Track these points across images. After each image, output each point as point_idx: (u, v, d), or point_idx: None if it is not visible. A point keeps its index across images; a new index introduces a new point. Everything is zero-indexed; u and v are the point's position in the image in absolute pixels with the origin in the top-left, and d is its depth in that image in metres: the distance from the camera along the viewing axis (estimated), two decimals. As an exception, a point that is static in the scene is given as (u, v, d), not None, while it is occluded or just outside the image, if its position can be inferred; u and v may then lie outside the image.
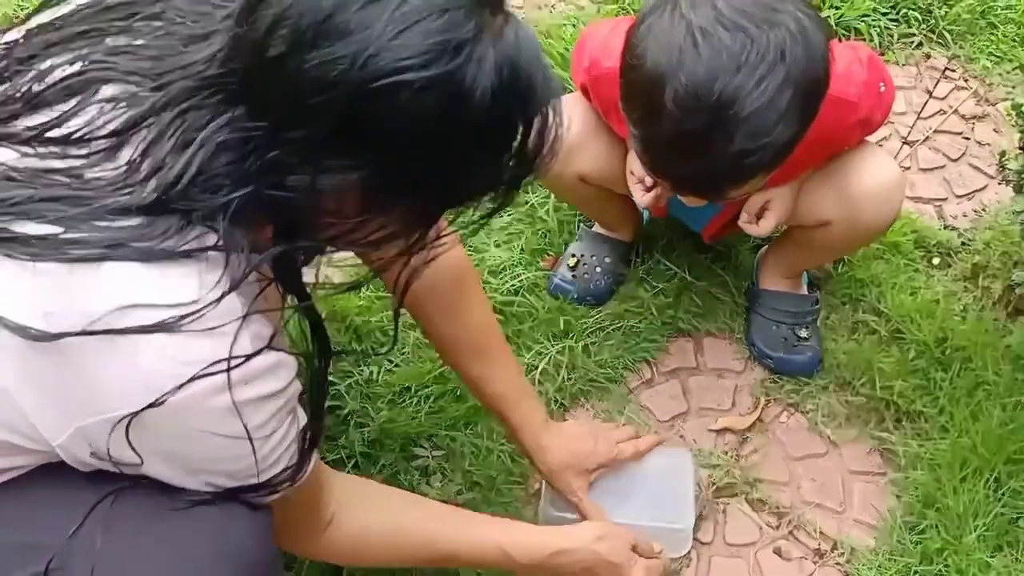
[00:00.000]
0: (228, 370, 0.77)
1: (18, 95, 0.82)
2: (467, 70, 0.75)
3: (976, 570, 1.34)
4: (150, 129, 0.78)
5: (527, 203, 1.72)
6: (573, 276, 1.63)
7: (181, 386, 0.76)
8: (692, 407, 1.56)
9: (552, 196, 1.72)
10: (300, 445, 0.90)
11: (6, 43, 0.88)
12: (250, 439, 0.82)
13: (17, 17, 0.88)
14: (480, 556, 1.18)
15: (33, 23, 0.89)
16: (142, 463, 0.81)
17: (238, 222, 0.78)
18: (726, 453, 1.50)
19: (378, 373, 1.52)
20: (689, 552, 1.40)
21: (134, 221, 0.77)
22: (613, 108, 1.28)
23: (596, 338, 1.59)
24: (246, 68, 0.77)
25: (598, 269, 1.63)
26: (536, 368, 1.54)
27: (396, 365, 1.54)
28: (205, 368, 0.76)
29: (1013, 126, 1.55)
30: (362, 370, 1.52)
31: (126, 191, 0.77)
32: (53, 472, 0.86)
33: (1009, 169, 1.50)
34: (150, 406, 0.76)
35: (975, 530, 1.37)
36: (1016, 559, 1.36)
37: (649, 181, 1.38)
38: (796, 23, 1.07)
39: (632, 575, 1.25)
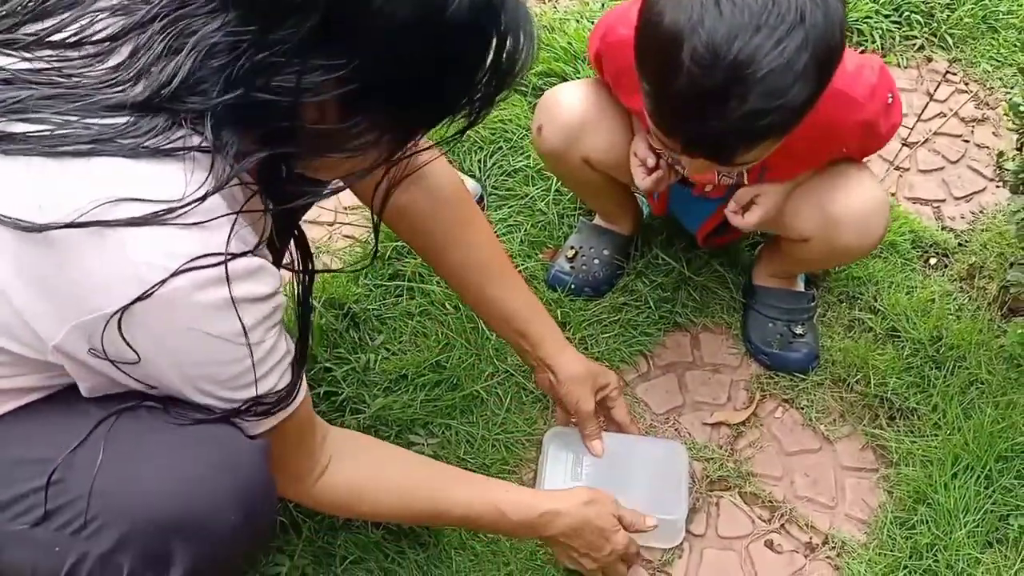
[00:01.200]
0: (224, 263, 0.79)
1: (21, 7, 0.85)
2: None
3: (965, 565, 1.35)
4: (141, 35, 0.81)
5: (526, 195, 1.74)
6: (571, 267, 1.64)
7: (168, 278, 0.77)
8: (687, 401, 1.56)
9: (551, 189, 1.73)
10: (292, 367, 0.92)
11: None
12: (246, 338, 0.83)
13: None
14: (476, 512, 1.19)
15: None
16: (139, 360, 0.82)
17: (225, 126, 0.80)
18: (720, 447, 1.51)
19: (375, 361, 1.53)
20: (681, 544, 1.41)
21: (122, 119, 0.79)
22: (624, 76, 1.28)
23: (593, 331, 1.60)
24: None
25: (596, 261, 1.64)
26: (533, 359, 1.55)
27: (393, 353, 1.55)
28: (192, 260, 0.78)
29: (1011, 128, 1.56)
30: (359, 357, 1.53)
31: (117, 88, 0.80)
32: (59, 400, 0.89)
33: (1006, 170, 1.51)
34: (139, 299, 0.77)
35: (965, 526, 1.38)
36: (1005, 555, 1.37)
37: (651, 163, 1.39)
38: None
39: (615, 539, 1.27)
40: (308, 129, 0.84)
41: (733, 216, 1.39)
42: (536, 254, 1.68)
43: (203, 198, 0.79)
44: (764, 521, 1.44)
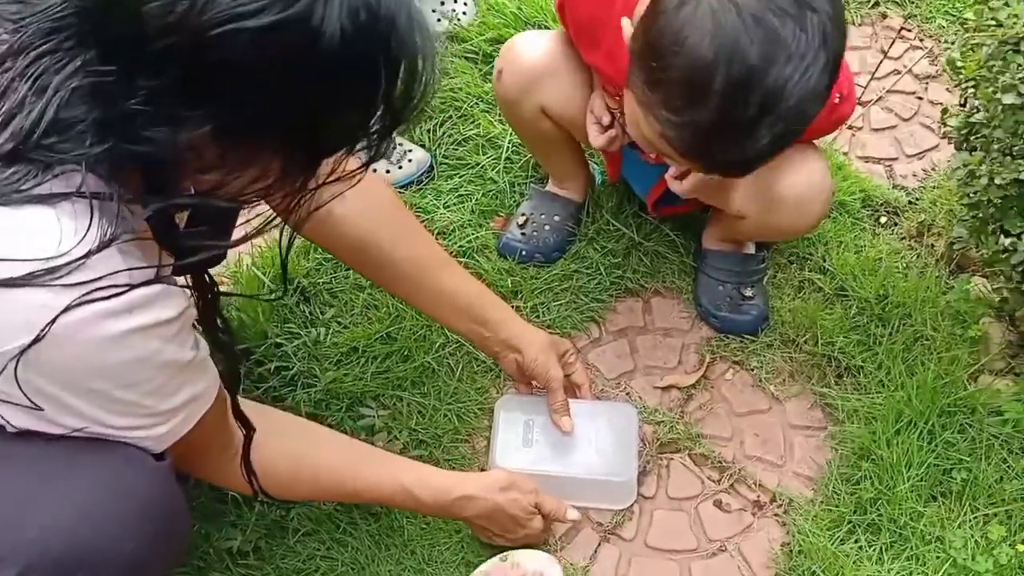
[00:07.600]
0: (116, 295, 0.77)
1: None
2: (313, 14, 0.72)
3: (908, 519, 1.37)
4: (7, 73, 0.77)
5: (477, 164, 1.73)
6: (523, 234, 1.64)
7: (58, 315, 0.75)
8: (639, 365, 1.58)
9: (502, 157, 1.73)
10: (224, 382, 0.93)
11: None
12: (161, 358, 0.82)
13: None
14: (386, 495, 1.22)
15: None
16: (43, 409, 0.81)
17: (102, 171, 0.77)
18: (671, 410, 1.52)
19: (326, 335, 1.53)
20: (632, 506, 1.43)
21: None
22: (584, 31, 1.26)
23: (545, 298, 1.61)
24: (90, 7, 0.75)
25: (547, 227, 1.64)
26: (484, 328, 1.55)
27: (344, 326, 1.55)
28: (81, 297, 0.75)
29: (955, 85, 1.55)
30: (310, 332, 1.53)
31: None
32: None
33: (950, 126, 1.51)
34: (35, 341, 0.75)
35: (908, 480, 1.40)
36: (949, 508, 1.39)
37: (606, 121, 1.39)
38: (830, 2, 1.06)
39: (530, 526, 1.29)
40: (193, 175, 0.80)
41: (672, 181, 1.40)
42: (487, 223, 1.68)
43: (85, 256, 0.75)
44: (714, 481, 1.46)
